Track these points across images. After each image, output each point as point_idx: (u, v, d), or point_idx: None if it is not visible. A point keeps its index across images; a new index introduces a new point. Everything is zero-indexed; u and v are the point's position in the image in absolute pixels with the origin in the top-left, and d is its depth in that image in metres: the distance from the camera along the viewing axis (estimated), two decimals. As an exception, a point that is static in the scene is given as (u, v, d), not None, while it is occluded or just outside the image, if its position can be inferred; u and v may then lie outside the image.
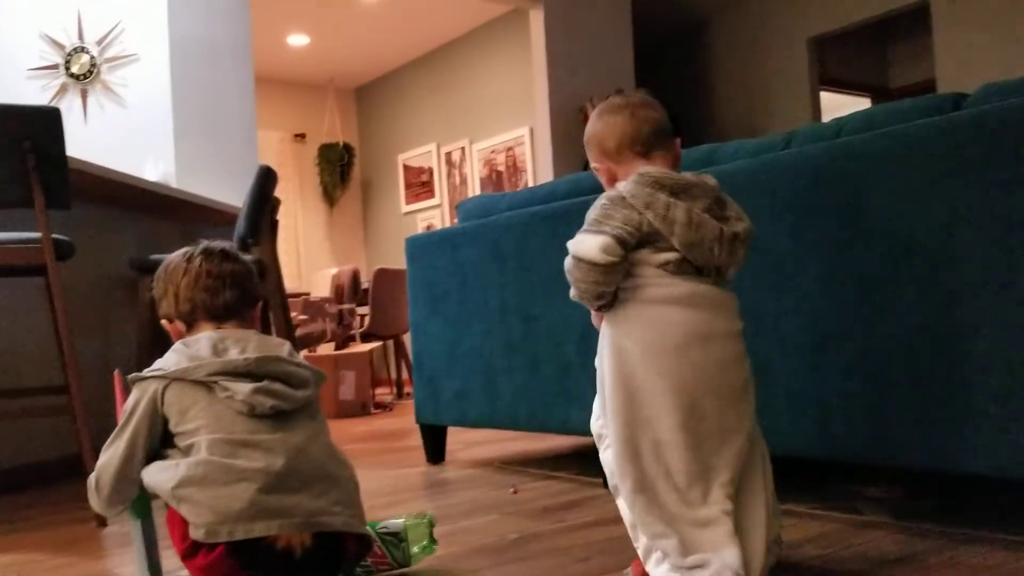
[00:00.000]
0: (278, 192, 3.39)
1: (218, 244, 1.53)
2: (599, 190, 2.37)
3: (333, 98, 8.67)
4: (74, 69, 4.33)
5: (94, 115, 4.34)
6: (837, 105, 6.81)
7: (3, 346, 2.81)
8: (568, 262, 1.39)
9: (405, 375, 6.31)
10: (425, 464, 2.93)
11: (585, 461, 2.71)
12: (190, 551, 1.25)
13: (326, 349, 5.79)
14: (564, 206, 2.40)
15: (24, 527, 2.21)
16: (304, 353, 5.07)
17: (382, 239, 8.61)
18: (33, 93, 4.30)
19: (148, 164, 4.08)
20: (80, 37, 4.34)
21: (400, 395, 6.27)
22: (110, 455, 1.37)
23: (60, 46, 4.33)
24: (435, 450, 2.96)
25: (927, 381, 1.62)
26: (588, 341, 2.31)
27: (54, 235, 2.26)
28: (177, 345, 1.41)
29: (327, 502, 1.29)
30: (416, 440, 3.10)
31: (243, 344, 1.39)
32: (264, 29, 6.70)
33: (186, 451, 1.31)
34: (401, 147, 8.35)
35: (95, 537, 2.05)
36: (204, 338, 1.40)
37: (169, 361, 1.37)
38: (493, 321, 2.60)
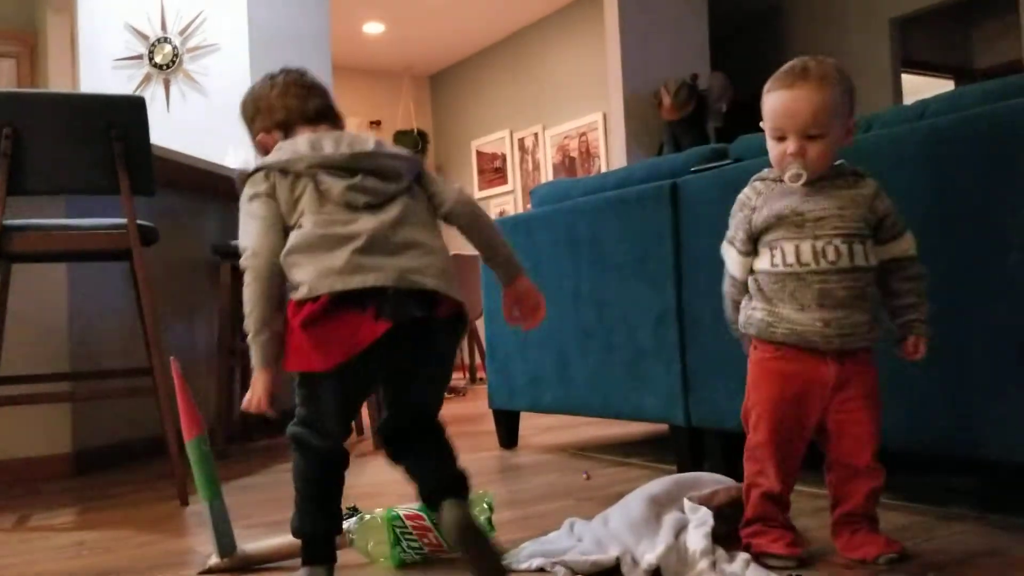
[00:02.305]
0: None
1: (294, 66, 1.62)
2: (676, 175, 2.34)
3: (408, 85, 8.74)
4: (157, 59, 4.45)
5: (176, 104, 4.46)
6: (918, 87, 6.57)
7: (90, 329, 2.91)
8: None
9: (478, 360, 6.34)
10: (498, 449, 2.95)
11: (658, 447, 2.69)
12: (297, 309, 1.32)
13: (400, 334, 5.84)
14: (638, 191, 2.38)
15: (110, 505, 2.29)
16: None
17: (455, 225, 8.66)
18: (118, 82, 4.44)
19: (229, 151, 4.17)
20: (163, 28, 4.45)
21: (473, 380, 6.31)
22: (249, 241, 1.38)
23: (144, 37, 4.46)
24: (508, 435, 2.97)
25: (1014, 373, 1.56)
26: (662, 327, 2.29)
27: (139, 221, 2.32)
28: (279, 145, 1.47)
29: (420, 264, 1.36)
30: (489, 425, 3.12)
31: (338, 141, 1.44)
32: (341, 18, 6.78)
33: (294, 229, 1.38)
34: (474, 133, 8.38)
35: (178, 515, 2.11)
36: (302, 138, 1.46)
37: (269, 158, 1.43)
38: (567, 306, 2.59)
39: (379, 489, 2.31)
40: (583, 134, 7.20)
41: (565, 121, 7.34)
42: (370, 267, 1.32)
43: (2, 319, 2.42)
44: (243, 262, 1.38)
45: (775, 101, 1.47)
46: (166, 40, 4.44)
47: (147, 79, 4.46)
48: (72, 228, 2.33)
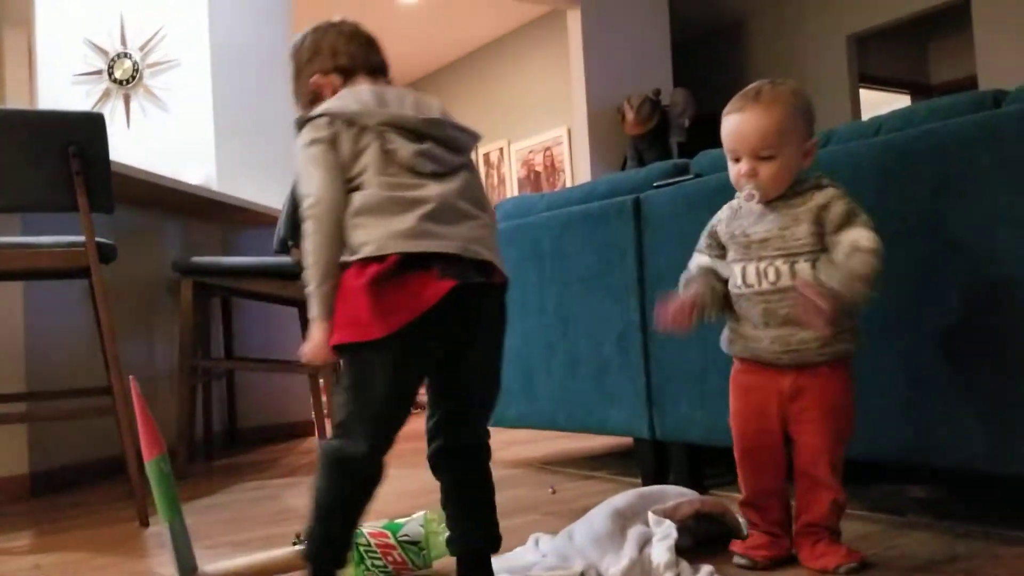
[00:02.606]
0: (316, 194, 3.41)
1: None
2: (638, 190, 2.36)
3: (371, 100, 8.74)
4: (117, 74, 4.40)
5: (136, 120, 4.41)
6: (877, 102, 6.70)
7: (48, 348, 2.86)
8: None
9: (443, 376, 6.32)
10: (463, 465, 2.93)
11: (624, 461, 2.70)
12: (361, 269, 1.26)
13: (365, 350, 5.81)
14: (601, 206, 2.39)
15: (68, 527, 2.25)
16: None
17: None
18: (78, 98, 4.38)
19: (189, 168, 4.14)
20: (123, 43, 4.41)
21: (438, 396, 6.27)
22: (312, 188, 1.32)
23: (104, 52, 4.41)
24: (473, 451, 2.96)
25: (969, 381, 1.59)
26: (626, 341, 2.30)
27: (97, 238, 2.29)
28: (341, 92, 1.43)
29: (479, 235, 1.35)
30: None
31: (402, 99, 1.41)
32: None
33: (352, 191, 1.34)
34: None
35: (138, 536, 2.08)
36: (365, 88, 1.42)
37: (334, 104, 1.38)
38: (531, 321, 2.59)
39: (343, 507, 2.29)
40: (548, 149, 7.23)
41: (530, 136, 7.38)
42: (437, 233, 1.30)
43: (-44, 339, 2.37)
44: (306, 210, 1.33)
45: (729, 124, 1.53)
46: (126, 55, 4.39)
47: (107, 94, 4.40)
48: (29, 246, 2.29)
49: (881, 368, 1.71)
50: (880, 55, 7.00)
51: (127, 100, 4.41)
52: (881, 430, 1.72)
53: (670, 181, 2.23)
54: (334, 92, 1.46)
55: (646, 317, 2.24)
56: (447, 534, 1.47)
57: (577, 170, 6.49)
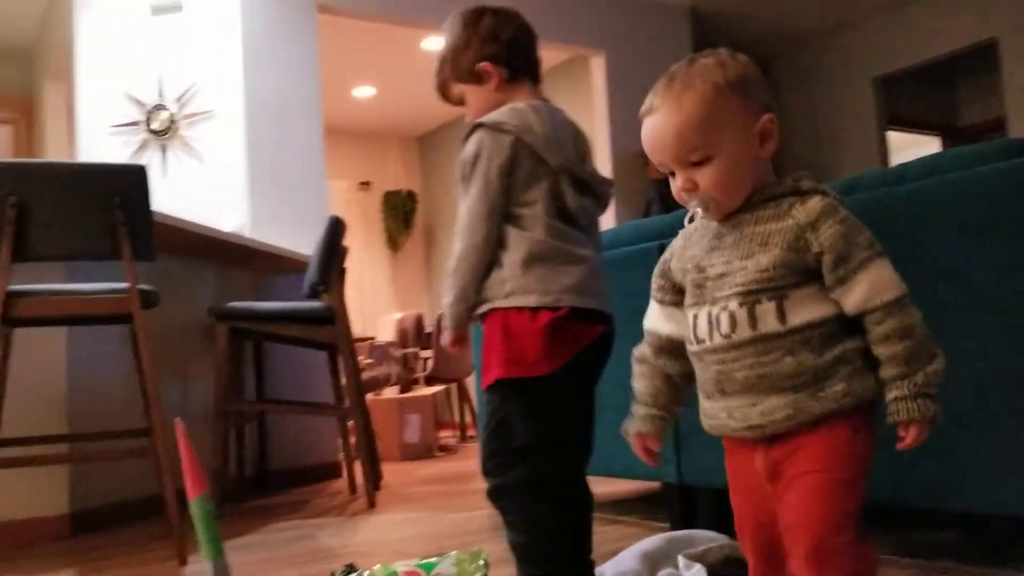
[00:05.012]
0: (344, 240, 3.50)
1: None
2: (664, 235, 2.41)
3: (397, 146, 8.88)
4: (154, 125, 4.54)
5: (173, 169, 4.53)
6: (907, 144, 6.74)
7: (89, 390, 2.94)
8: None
9: (468, 418, 6.36)
10: (489, 508, 2.96)
11: (651, 505, 2.72)
12: (533, 315, 1.38)
13: (391, 392, 5.88)
14: (625, 253, 2.44)
15: (108, 565, 2.30)
16: (370, 396, 5.16)
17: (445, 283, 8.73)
18: (116, 149, 4.52)
19: (223, 216, 4.25)
20: (160, 95, 4.55)
21: (464, 438, 6.31)
22: (479, 206, 1.40)
23: (141, 104, 4.55)
24: (501, 493, 2.98)
25: (996, 426, 1.62)
26: (620, 385, 2.33)
27: (140, 285, 2.37)
28: (517, 108, 1.43)
29: (605, 292, 1.47)
30: (480, 483, 3.13)
31: (574, 141, 1.48)
32: (332, 81, 6.93)
33: (517, 219, 1.41)
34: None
35: (177, 575, 2.13)
36: (532, 112, 1.43)
37: (514, 122, 1.40)
38: (558, 365, 2.63)
39: (374, 548, 2.33)
40: (571, 193, 7.30)
41: (553, 181, 7.45)
42: (595, 290, 1.43)
43: (3, 382, 2.45)
44: (469, 231, 1.41)
45: (643, 131, 1.14)
46: (163, 107, 4.54)
47: (144, 145, 4.54)
48: (75, 293, 2.38)
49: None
50: (908, 97, 7.05)
51: (163, 150, 4.55)
52: (910, 475, 1.74)
53: (695, 228, 2.27)
54: (498, 86, 1.50)
55: (672, 361, 2.27)
56: (478, 573, 1.51)
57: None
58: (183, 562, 2.21)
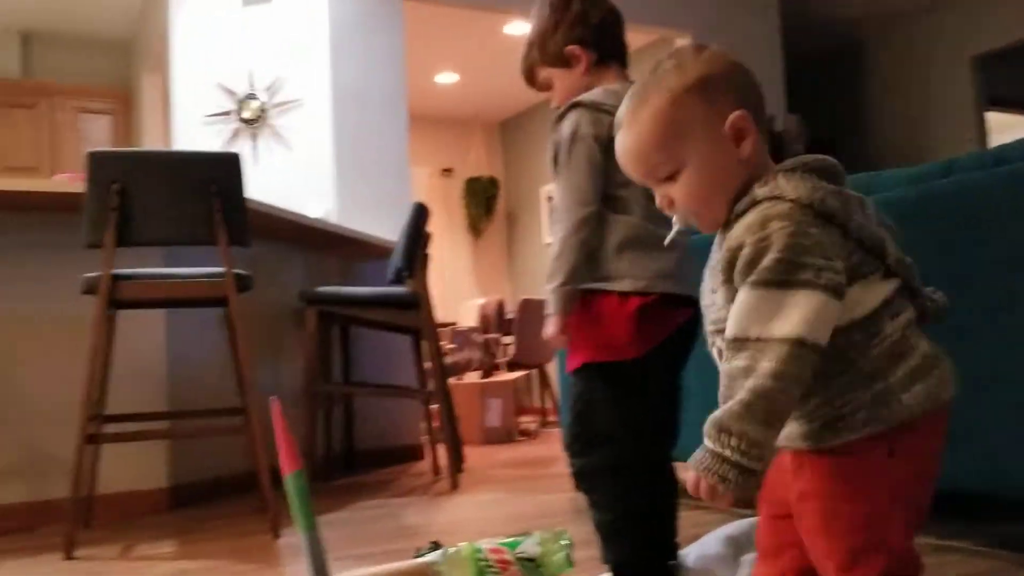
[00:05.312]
0: (428, 226, 3.55)
1: None
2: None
3: (479, 132, 8.94)
4: (245, 115, 4.68)
5: (263, 157, 4.67)
6: (1007, 124, 6.48)
7: (188, 370, 3.06)
8: None
9: (549, 404, 6.39)
10: (572, 491, 2.98)
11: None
12: (622, 300, 1.39)
13: (472, 377, 5.94)
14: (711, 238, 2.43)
15: (206, 537, 2.40)
16: (452, 381, 5.24)
17: (526, 270, 8.77)
18: (208, 138, 4.67)
19: (311, 202, 4.35)
20: (251, 85, 4.68)
21: (544, 423, 6.35)
22: (581, 185, 1.38)
23: (233, 94, 4.69)
24: (583, 477, 3.00)
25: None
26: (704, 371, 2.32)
27: (235, 270, 2.46)
28: (614, 87, 1.43)
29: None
30: (561, 467, 3.16)
31: None
32: (415, 68, 7.02)
33: (613, 201, 1.41)
34: (544, 179, 8.50)
35: (271, 547, 2.21)
36: (620, 93, 1.39)
37: (610, 100, 1.38)
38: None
39: (458, 527, 2.38)
40: (653, 179, 7.25)
41: (635, 166, 7.40)
42: (684, 275, 1.42)
43: (108, 361, 2.58)
44: (571, 209, 1.40)
45: (615, 149, 1.08)
46: (253, 97, 4.67)
47: (235, 134, 4.68)
48: (174, 277, 2.48)
49: (1008, 403, 1.69)
50: (1008, 76, 6.78)
51: (254, 139, 4.68)
52: (1007, 464, 1.70)
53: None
54: (586, 69, 1.51)
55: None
56: (561, 552, 1.53)
57: (683, 200, 6.48)
58: (276, 535, 2.29)
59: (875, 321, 0.94)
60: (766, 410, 0.87)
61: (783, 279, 0.88)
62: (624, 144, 1.04)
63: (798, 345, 0.86)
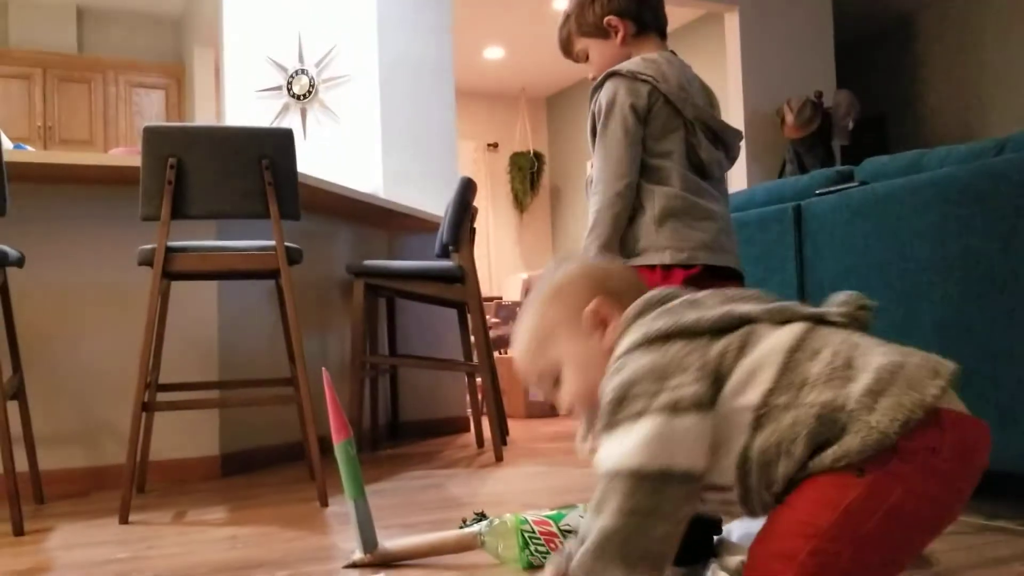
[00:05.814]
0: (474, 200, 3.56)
1: None
2: (799, 197, 2.37)
3: (525, 107, 8.92)
4: (295, 89, 4.72)
5: (312, 131, 4.72)
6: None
7: (239, 341, 3.13)
8: None
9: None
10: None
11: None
12: (666, 272, 1.39)
13: (517, 352, 5.97)
14: (761, 213, 2.41)
15: (256, 504, 2.46)
16: (497, 354, 5.27)
17: (570, 244, 8.76)
18: (259, 112, 4.73)
19: (359, 176, 4.39)
20: (300, 60, 4.72)
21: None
22: (621, 156, 1.37)
23: (283, 69, 4.74)
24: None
25: None
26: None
27: (286, 243, 2.50)
28: (652, 56, 1.43)
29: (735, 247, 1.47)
30: (607, 442, 3.17)
31: (704, 93, 1.46)
32: (462, 43, 7.01)
33: (652, 171, 1.41)
34: (590, 154, 8.47)
35: (319, 515, 2.26)
36: (665, 62, 1.42)
37: (650, 72, 1.39)
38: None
39: (503, 498, 2.41)
40: (700, 154, 7.18)
41: (682, 141, 7.34)
42: (726, 247, 1.42)
43: (162, 332, 2.65)
44: (607, 181, 1.39)
45: None
46: (303, 72, 4.72)
47: (285, 108, 4.74)
48: (227, 249, 2.53)
49: (1055, 382, 1.66)
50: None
51: (303, 113, 4.73)
52: (1054, 445, 1.68)
53: (833, 189, 2.22)
54: (624, 40, 1.49)
55: (804, 325, 2.24)
56: None
57: (733, 175, 6.42)
58: (324, 503, 2.34)
59: (793, 369, 0.92)
60: (620, 548, 0.89)
61: (613, 420, 0.93)
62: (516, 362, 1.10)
63: (636, 477, 0.88)
